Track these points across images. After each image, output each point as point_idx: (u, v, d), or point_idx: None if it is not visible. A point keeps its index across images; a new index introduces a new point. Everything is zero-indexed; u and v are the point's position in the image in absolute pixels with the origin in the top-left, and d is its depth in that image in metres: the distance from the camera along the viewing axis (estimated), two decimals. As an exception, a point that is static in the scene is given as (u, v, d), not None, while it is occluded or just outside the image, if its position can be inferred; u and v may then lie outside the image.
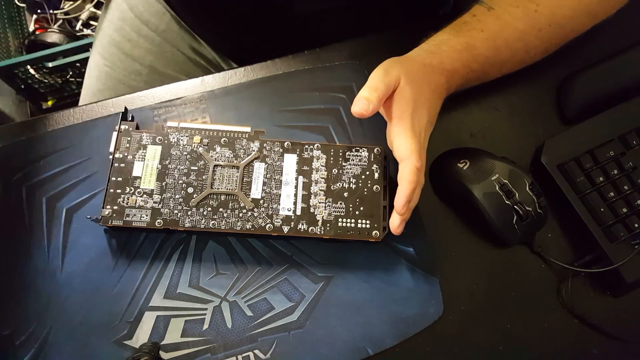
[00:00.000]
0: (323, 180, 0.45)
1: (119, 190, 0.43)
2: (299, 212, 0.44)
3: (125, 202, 0.43)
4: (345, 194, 0.45)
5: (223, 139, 0.45)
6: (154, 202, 0.43)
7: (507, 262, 0.48)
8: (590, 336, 0.46)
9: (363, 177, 0.45)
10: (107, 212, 0.42)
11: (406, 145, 0.40)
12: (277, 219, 0.44)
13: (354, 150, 0.46)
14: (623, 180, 0.48)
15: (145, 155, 0.44)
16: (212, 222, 0.43)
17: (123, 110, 0.46)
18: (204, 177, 0.44)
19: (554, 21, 0.47)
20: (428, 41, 0.47)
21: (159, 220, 0.43)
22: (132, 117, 0.47)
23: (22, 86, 1.16)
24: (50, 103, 1.25)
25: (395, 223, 0.42)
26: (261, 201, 0.44)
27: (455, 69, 0.45)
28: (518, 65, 0.49)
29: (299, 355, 0.42)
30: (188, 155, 0.45)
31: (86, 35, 1.21)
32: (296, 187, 0.45)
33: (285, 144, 0.46)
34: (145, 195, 0.43)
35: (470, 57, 0.46)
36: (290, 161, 0.45)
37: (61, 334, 0.42)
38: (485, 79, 0.49)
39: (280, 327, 0.43)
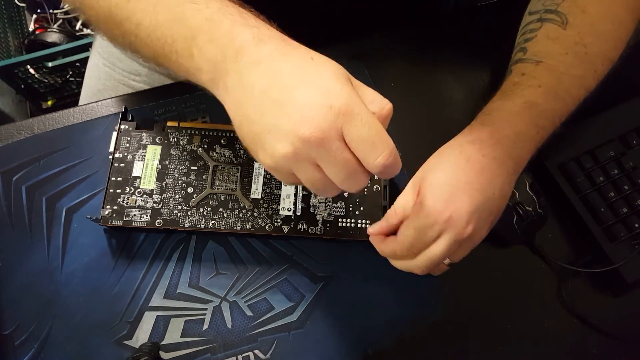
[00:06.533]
0: (323, 180, 0.45)
1: (118, 190, 0.43)
2: (299, 212, 0.44)
3: (125, 202, 0.43)
4: (345, 194, 0.45)
5: (223, 139, 0.45)
6: (154, 202, 0.43)
7: (507, 262, 0.48)
8: (590, 336, 0.46)
9: (363, 177, 0.45)
10: (107, 212, 0.42)
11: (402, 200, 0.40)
12: (277, 219, 0.44)
13: (354, 150, 0.46)
14: (623, 180, 0.48)
15: (145, 155, 0.44)
16: (212, 222, 0.43)
17: (123, 110, 0.46)
18: (203, 177, 0.44)
19: (605, 57, 0.43)
20: (478, 116, 0.42)
21: (158, 220, 0.43)
22: (132, 116, 0.47)
23: (22, 86, 1.16)
24: (50, 103, 1.25)
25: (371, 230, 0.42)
26: (261, 201, 0.44)
27: (518, 131, 0.40)
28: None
29: (299, 355, 0.42)
30: (188, 155, 0.45)
31: (86, 35, 1.21)
32: (296, 187, 0.45)
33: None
34: (145, 195, 0.43)
35: (535, 114, 0.40)
36: (290, 161, 0.45)
37: (61, 333, 0.42)
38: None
39: (280, 327, 0.43)
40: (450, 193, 0.37)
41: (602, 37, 0.43)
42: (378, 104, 0.31)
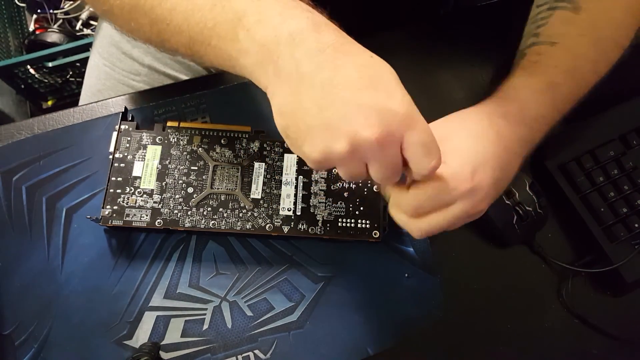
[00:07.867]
0: (323, 180, 0.45)
1: (118, 190, 0.43)
2: (299, 212, 0.44)
3: (125, 202, 0.43)
4: (345, 194, 0.45)
5: (223, 139, 0.45)
6: (154, 202, 0.43)
7: (507, 262, 0.48)
8: (590, 336, 0.46)
9: (363, 177, 0.45)
10: (107, 212, 0.42)
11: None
12: (277, 219, 0.44)
13: (354, 150, 0.46)
14: (623, 180, 0.48)
15: (145, 155, 0.44)
16: (212, 222, 0.43)
17: (123, 110, 0.46)
18: (203, 177, 0.44)
19: (617, 44, 0.42)
20: (502, 88, 0.41)
21: (159, 220, 0.43)
22: (132, 116, 0.47)
23: (22, 86, 1.16)
24: (50, 103, 1.25)
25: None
26: (261, 201, 0.44)
27: (541, 114, 0.39)
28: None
29: (299, 355, 0.42)
30: (188, 155, 0.45)
31: (86, 35, 1.21)
32: (296, 187, 0.45)
33: (286, 143, 0.46)
34: (145, 195, 0.43)
35: (557, 97, 0.40)
36: (290, 161, 0.45)
37: (61, 333, 0.42)
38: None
39: (280, 327, 0.43)
40: (478, 163, 0.35)
41: (614, 23, 0.42)
42: None
